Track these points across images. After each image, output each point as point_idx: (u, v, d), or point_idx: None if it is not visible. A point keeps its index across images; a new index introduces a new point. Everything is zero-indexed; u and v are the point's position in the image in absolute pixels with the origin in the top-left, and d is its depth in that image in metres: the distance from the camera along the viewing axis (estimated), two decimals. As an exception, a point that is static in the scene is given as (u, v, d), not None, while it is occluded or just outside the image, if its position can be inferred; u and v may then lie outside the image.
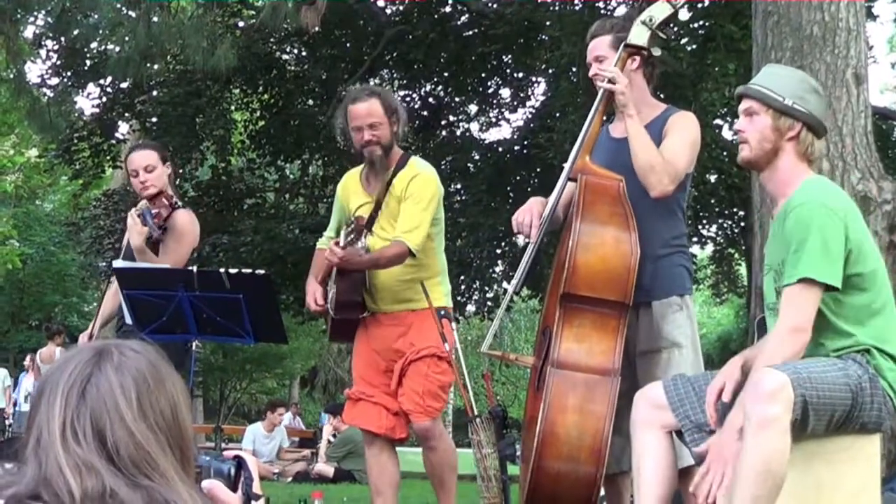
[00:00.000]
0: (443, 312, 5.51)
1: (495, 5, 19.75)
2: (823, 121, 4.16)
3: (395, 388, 5.75)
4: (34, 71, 19.95)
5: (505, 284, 21.48)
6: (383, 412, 5.80)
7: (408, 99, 22.04)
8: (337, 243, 5.42)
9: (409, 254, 5.53)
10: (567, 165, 4.94)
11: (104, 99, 20.41)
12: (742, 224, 20.71)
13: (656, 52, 4.93)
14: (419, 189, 5.68)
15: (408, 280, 5.67)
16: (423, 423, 5.68)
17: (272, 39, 20.25)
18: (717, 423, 3.92)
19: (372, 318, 5.84)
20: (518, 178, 20.50)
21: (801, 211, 3.90)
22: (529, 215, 5.01)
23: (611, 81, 4.78)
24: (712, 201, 19.92)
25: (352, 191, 6.02)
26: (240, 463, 2.38)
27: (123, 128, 22.08)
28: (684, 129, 4.88)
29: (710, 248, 24.16)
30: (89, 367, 1.94)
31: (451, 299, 5.98)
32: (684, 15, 4.94)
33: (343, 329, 5.97)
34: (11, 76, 14.49)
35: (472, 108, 22.73)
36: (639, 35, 4.86)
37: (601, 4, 18.18)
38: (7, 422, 17.82)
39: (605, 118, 4.95)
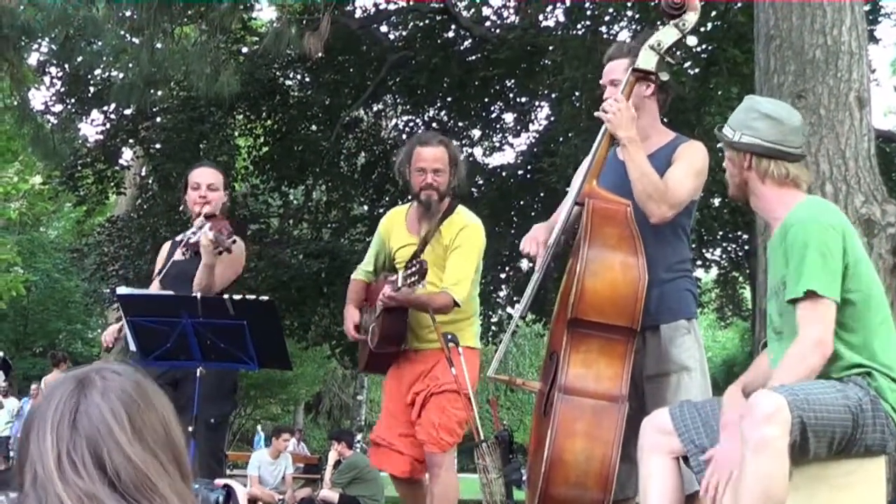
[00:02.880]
0: (450, 337, 5.62)
1: (498, 30, 19.79)
2: (781, 143, 4.15)
3: (415, 419, 5.96)
4: (38, 98, 19.95)
5: (509, 309, 21.46)
6: (405, 459, 6.06)
7: (411, 124, 22.09)
8: (392, 283, 5.64)
9: (454, 304, 5.78)
10: (573, 190, 4.94)
11: (108, 125, 20.43)
12: (746, 248, 20.70)
13: (664, 76, 4.92)
14: (468, 240, 5.95)
15: (444, 321, 5.84)
16: (435, 454, 5.84)
17: (275, 65, 20.25)
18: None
19: (404, 353, 6.05)
20: (521, 202, 20.52)
21: (797, 228, 3.94)
22: (535, 244, 5.03)
23: (603, 110, 4.80)
24: (716, 225, 19.90)
25: (396, 229, 6.23)
26: (229, 492, 2.38)
27: (127, 154, 22.12)
28: (691, 158, 4.88)
29: (714, 271, 24.16)
30: (75, 397, 1.92)
31: (479, 340, 6.20)
32: (692, 40, 4.92)
33: (378, 361, 6.22)
34: (15, 103, 14.53)
35: (476, 133, 22.75)
36: (647, 60, 4.86)
37: (604, 29, 18.19)
38: (11, 451, 17.79)
39: (612, 142, 4.95)
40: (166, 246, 6.60)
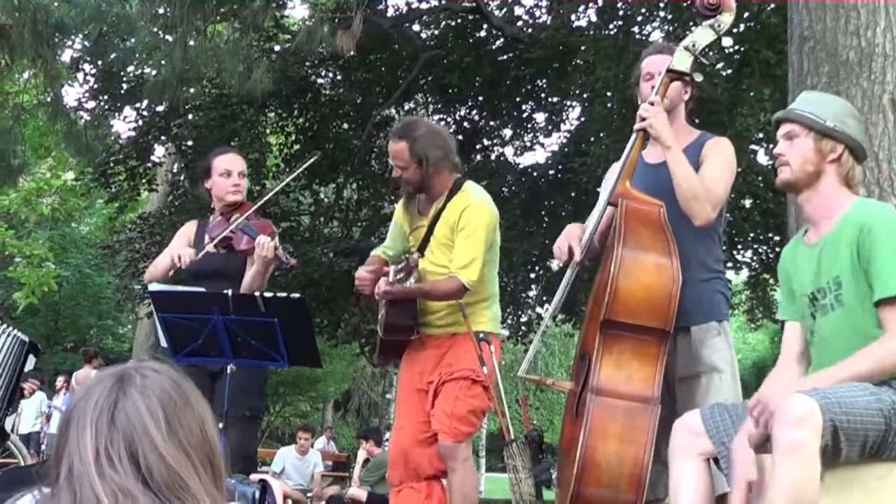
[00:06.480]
0: (481, 336, 5.49)
1: (530, 30, 19.75)
2: (862, 145, 4.16)
3: (430, 410, 5.77)
4: (71, 94, 19.98)
5: (539, 309, 21.42)
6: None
7: (442, 123, 22.09)
8: (386, 275, 5.57)
9: (464, 289, 5.57)
10: (605, 190, 4.93)
11: (140, 122, 20.48)
12: (777, 249, 20.58)
13: (698, 77, 4.92)
14: (472, 220, 5.67)
15: (455, 304, 5.66)
16: (448, 444, 5.66)
17: (307, 63, 20.29)
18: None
19: (418, 339, 5.87)
20: (552, 202, 20.45)
21: (882, 224, 3.92)
22: (567, 242, 5.00)
23: (641, 118, 4.79)
24: (747, 226, 19.83)
25: (411, 212, 6.05)
26: (264, 486, 2.39)
27: (159, 151, 22.18)
28: (721, 155, 4.89)
29: (744, 273, 24.02)
30: (114, 394, 1.94)
31: (498, 324, 5.99)
32: (727, 41, 4.91)
33: (391, 349, 6.04)
34: (49, 100, 14.56)
35: (507, 133, 22.72)
36: (682, 61, 4.86)
37: (636, 29, 18.14)
38: (42, 445, 17.87)
39: (644, 143, 4.94)
40: (192, 228, 6.50)
